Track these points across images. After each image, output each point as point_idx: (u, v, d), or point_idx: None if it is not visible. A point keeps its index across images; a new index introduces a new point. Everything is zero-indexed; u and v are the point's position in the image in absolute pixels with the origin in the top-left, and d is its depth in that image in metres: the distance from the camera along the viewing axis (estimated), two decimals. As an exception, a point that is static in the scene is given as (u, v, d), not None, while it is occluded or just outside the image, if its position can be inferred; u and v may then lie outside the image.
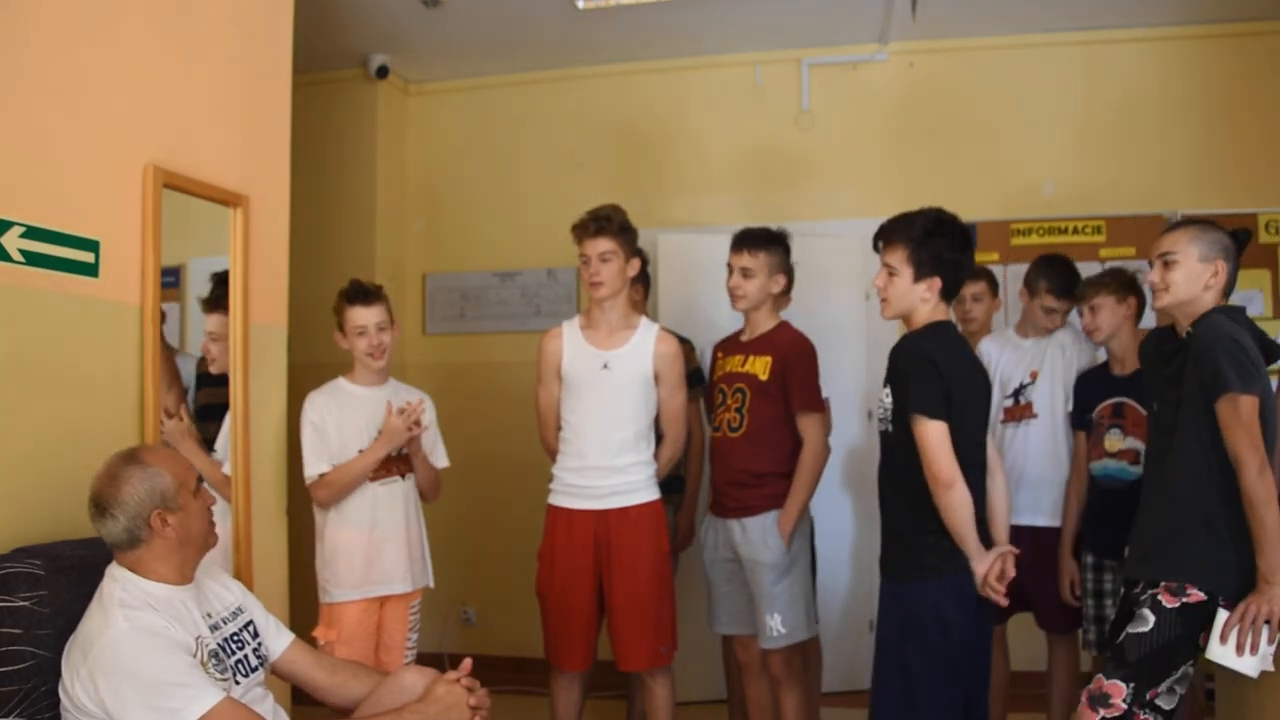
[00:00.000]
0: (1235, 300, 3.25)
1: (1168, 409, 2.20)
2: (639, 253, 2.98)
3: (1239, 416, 2.01)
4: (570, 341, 2.94)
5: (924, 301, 2.37)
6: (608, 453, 2.85)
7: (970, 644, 2.31)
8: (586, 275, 2.87)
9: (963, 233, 2.39)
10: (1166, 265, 2.22)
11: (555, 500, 2.93)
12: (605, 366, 2.88)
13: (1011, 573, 2.31)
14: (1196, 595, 2.07)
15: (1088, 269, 3.80)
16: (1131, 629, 2.12)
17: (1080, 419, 2.99)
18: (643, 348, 2.90)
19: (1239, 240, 2.25)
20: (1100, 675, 2.15)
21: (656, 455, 2.95)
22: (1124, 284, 2.90)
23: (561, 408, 2.94)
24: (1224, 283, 2.20)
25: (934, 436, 2.23)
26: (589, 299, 2.95)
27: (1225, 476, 2.07)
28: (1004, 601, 2.30)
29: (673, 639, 2.91)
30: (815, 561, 3.39)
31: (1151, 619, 2.09)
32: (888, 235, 2.40)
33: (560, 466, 2.93)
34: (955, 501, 2.23)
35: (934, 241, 2.34)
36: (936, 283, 2.35)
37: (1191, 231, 2.23)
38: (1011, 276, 3.96)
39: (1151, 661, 2.08)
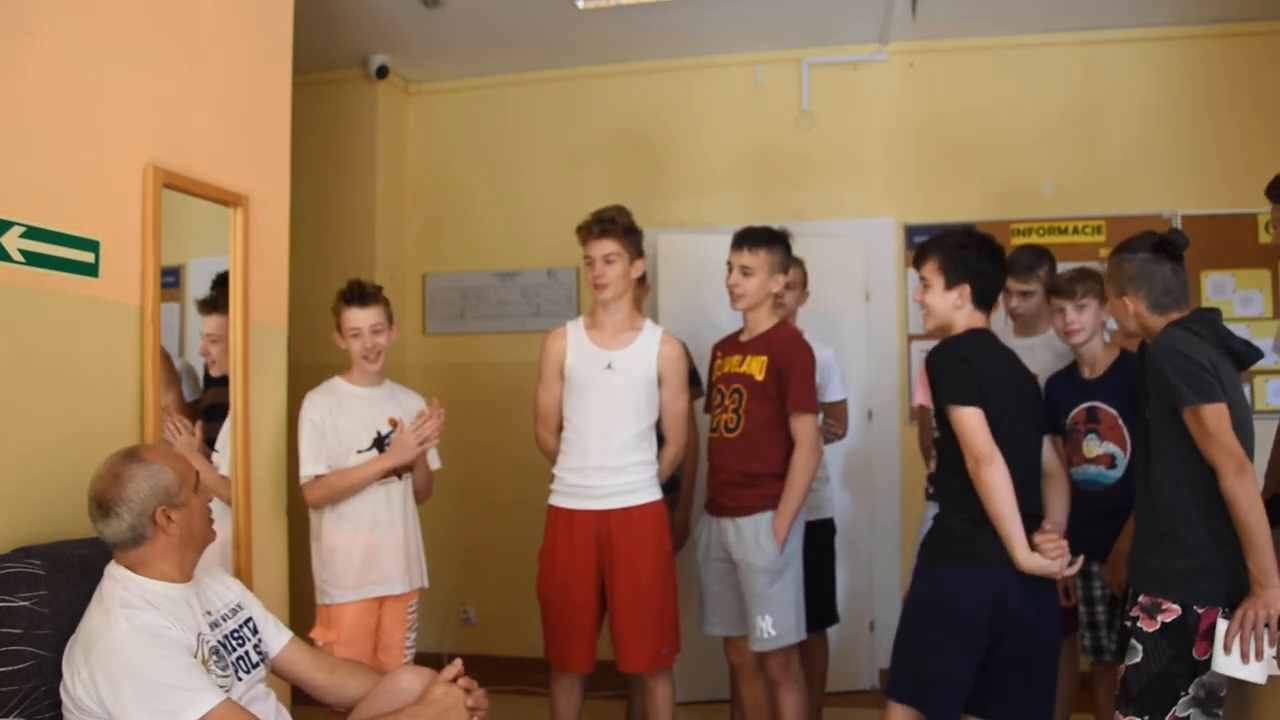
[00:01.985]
0: (1236, 300, 3.26)
1: (1143, 418, 2.23)
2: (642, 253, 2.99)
3: (1205, 427, 2.02)
4: (574, 341, 2.94)
5: (957, 309, 2.48)
6: (610, 453, 2.85)
7: (981, 636, 2.33)
8: (591, 277, 2.88)
9: (992, 248, 2.51)
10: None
11: (556, 501, 2.93)
12: (609, 367, 2.88)
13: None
14: (1171, 610, 2.08)
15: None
16: (1128, 661, 2.14)
17: (1053, 423, 2.96)
18: (647, 349, 2.92)
19: (1169, 246, 2.23)
20: (1118, 712, 2.16)
21: (659, 457, 2.95)
22: None
23: (564, 407, 2.94)
24: (1145, 307, 2.21)
25: (969, 421, 2.30)
26: (593, 300, 2.95)
27: (1194, 486, 2.08)
28: (1067, 557, 2.31)
29: (675, 640, 2.92)
30: (834, 562, 3.39)
31: (1140, 649, 2.11)
32: (923, 249, 2.55)
33: (561, 466, 2.93)
34: (995, 479, 2.27)
35: (963, 251, 2.48)
36: (966, 289, 2.46)
37: (1109, 268, 2.31)
38: (1011, 277, 3.96)
39: (1154, 691, 2.08)
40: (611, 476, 2.85)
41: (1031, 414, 2.49)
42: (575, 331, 2.96)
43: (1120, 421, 2.77)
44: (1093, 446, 2.84)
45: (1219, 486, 2.02)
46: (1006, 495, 2.29)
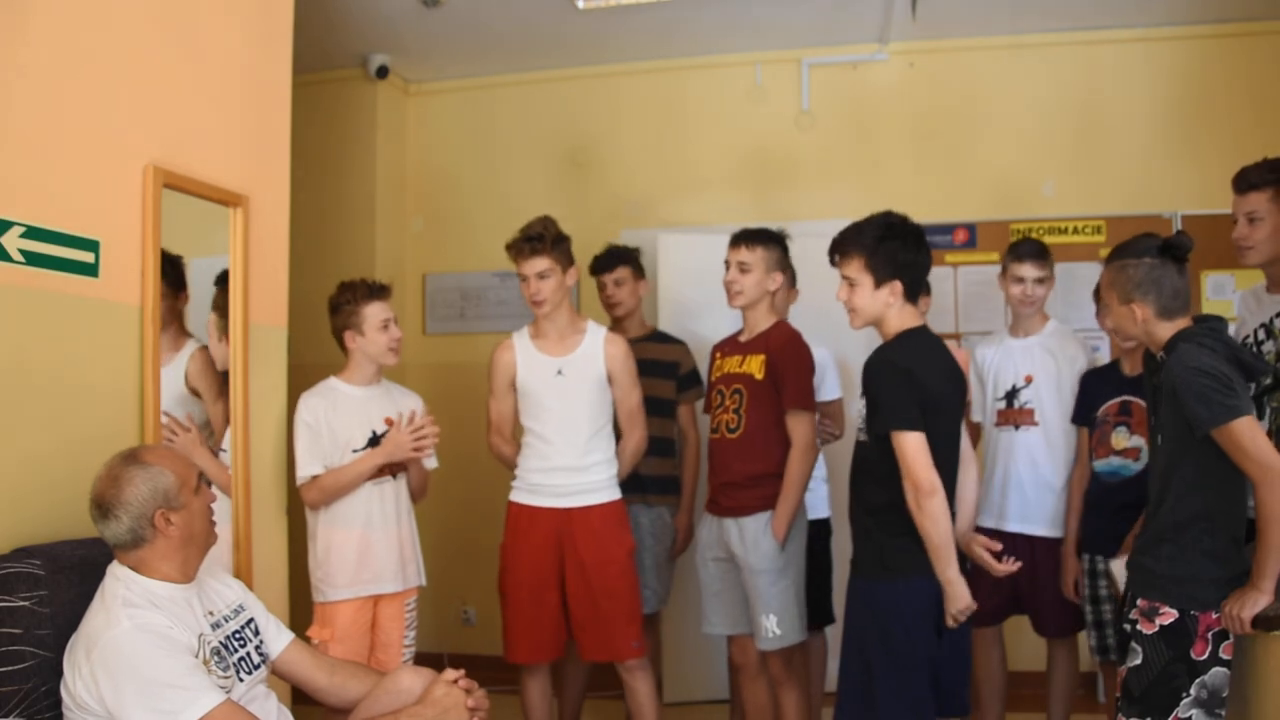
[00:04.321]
0: (1234, 300, 3.24)
1: (1153, 429, 2.23)
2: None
3: (1237, 443, 2.00)
4: (522, 352, 3.01)
5: (889, 306, 2.40)
6: (571, 455, 2.93)
7: (934, 642, 2.32)
8: (527, 294, 2.93)
9: (915, 233, 2.41)
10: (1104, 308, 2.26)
11: (517, 498, 3.00)
12: (559, 373, 2.96)
13: (992, 546, 2.40)
14: (1169, 614, 2.09)
15: (1088, 269, 3.81)
16: (1129, 664, 2.15)
17: (1084, 416, 2.98)
18: (593, 351, 2.98)
19: (1174, 249, 2.18)
20: (1120, 714, 2.16)
21: (619, 453, 3.03)
22: None
23: (521, 416, 3.02)
24: (1153, 314, 2.15)
25: (913, 448, 2.25)
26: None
27: (1201, 497, 2.08)
28: (1013, 567, 2.42)
29: (642, 633, 3.01)
30: (831, 561, 3.38)
31: (1140, 651, 2.12)
32: (841, 247, 2.45)
33: (524, 468, 3.00)
34: (937, 511, 2.24)
35: (887, 245, 2.38)
36: (897, 286, 2.38)
37: (1109, 274, 2.23)
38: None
39: (1156, 693, 2.09)
40: (574, 476, 2.93)
41: (960, 409, 2.48)
42: (521, 342, 3.03)
43: None
44: (1121, 439, 2.86)
45: (1231, 498, 2.05)
46: (946, 528, 2.25)
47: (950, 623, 2.30)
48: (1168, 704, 2.07)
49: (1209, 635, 2.06)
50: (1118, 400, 2.89)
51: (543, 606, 2.93)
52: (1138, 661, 2.12)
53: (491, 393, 3.06)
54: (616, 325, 3.54)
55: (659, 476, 3.43)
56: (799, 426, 2.90)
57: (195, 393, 2.52)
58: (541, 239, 2.89)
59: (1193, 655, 2.06)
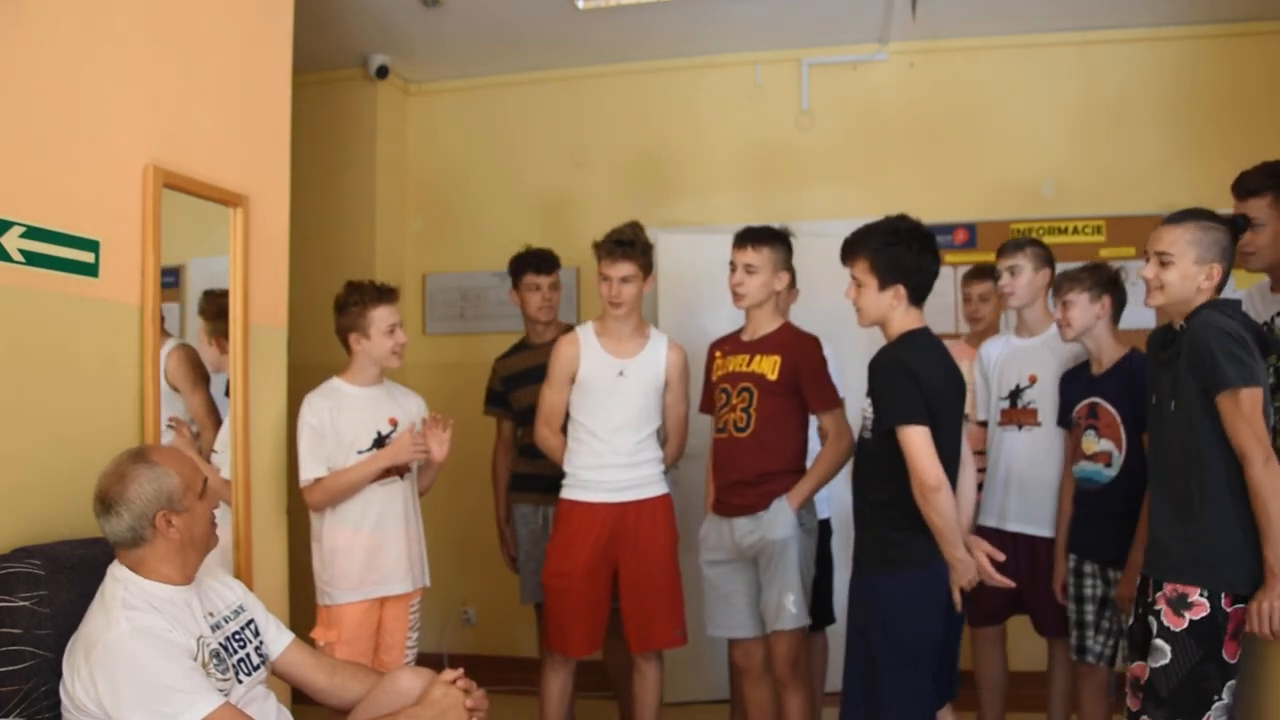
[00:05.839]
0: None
1: (1164, 400, 2.19)
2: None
3: (1241, 410, 1.99)
4: (587, 348, 3.03)
5: (893, 309, 2.44)
6: (624, 452, 2.97)
7: (936, 635, 2.36)
8: (607, 294, 2.96)
9: (923, 238, 2.45)
10: (1162, 264, 2.17)
11: (570, 494, 3.01)
12: (621, 374, 3.00)
13: (995, 555, 2.41)
14: (1200, 605, 2.04)
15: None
16: (1153, 663, 2.09)
17: (1065, 418, 2.97)
18: (656, 357, 3.04)
19: (1237, 228, 2.23)
20: (1145, 716, 2.11)
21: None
22: (1100, 282, 2.81)
23: (574, 409, 3.03)
24: (1218, 283, 2.16)
25: (917, 442, 2.29)
26: (602, 306, 3.03)
27: (1220, 469, 2.05)
28: (1011, 583, 2.42)
29: (684, 623, 3.05)
30: (831, 563, 3.38)
31: (1167, 649, 2.06)
32: (850, 248, 2.49)
33: (574, 464, 3.01)
34: (943, 504, 2.28)
35: (893, 250, 2.42)
36: (901, 290, 2.42)
37: (1191, 231, 2.16)
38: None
39: (1184, 692, 2.04)
40: (626, 472, 2.97)
41: (960, 411, 2.51)
42: (587, 337, 3.05)
43: (1118, 420, 2.76)
44: (1091, 443, 2.83)
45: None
46: (952, 518, 2.31)
47: (958, 596, 2.37)
48: (1198, 707, 2.02)
49: (1239, 636, 2.02)
50: (1086, 403, 2.85)
51: (598, 600, 2.98)
52: (1165, 661, 2.06)
53: (549, 382, 3.08)
54: (543, 330, 3.59)
55: None
56: (835, 424, 2.93)
57: (175, 388, 2.53)
58: (633, 245, 2.95)
59: (1224, 656, 2.01)
